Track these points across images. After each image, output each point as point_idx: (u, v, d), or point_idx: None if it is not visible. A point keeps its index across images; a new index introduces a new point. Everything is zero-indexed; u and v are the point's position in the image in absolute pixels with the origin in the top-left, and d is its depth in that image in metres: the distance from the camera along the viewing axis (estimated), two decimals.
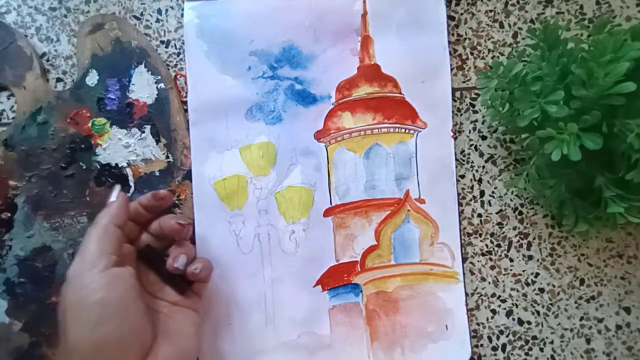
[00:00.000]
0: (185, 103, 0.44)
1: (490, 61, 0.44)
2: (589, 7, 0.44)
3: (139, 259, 0.38)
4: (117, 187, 0.38)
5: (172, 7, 0.45)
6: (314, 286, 0.43)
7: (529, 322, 0.43)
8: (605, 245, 0.43)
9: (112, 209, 0.36)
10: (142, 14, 0.45)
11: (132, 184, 0.43)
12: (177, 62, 0.45)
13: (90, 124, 0.43)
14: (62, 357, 0.33)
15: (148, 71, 0.43)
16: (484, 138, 0.44)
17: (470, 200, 0.44)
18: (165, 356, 0.34)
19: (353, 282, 0.42)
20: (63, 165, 0.43)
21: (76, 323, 0.32)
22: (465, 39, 0.44)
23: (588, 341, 0.43)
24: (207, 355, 0.42)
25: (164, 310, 0.37)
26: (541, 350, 0.43)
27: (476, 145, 0.44)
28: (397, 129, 0.43)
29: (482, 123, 0.44)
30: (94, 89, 0.43)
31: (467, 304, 0.42)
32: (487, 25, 0.44)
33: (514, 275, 0.43)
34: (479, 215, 0.44)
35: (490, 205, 0.44)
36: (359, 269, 0.43)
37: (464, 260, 0.43)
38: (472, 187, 0.44)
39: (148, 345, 0.33)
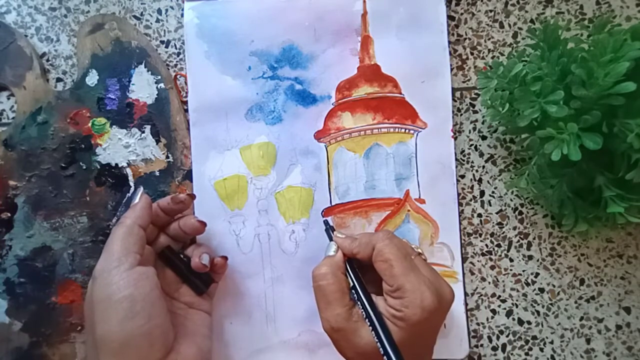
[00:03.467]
0: (185, 103, 0.44)
1: (490, 61, 0.44)
2: (589, 7, 0.44)
3: (158, 260, 0.39)
4: (140, 189, 0.39)
5: (172, 7, 0.45)
6: None
7: (529, 322, 0.43)
8: (605, 245, 0.43)
9: (137, 210, 0.37)
10: (142, 14, 0.45)
11: (132, 184, 0.43)
12: (177, 62, 0.45)
13: (90, 124, 0.43)
14: (91, 352, 0.33)
15: (148, 71, 0.43)
16: (484, 138, 0.44)
17: (470, 200, 0.44)
18: (188, 354, 0.35)
19: None
20: (63, 165, 0.43)
21: (105, 318, 0.32)
22: (465, 39, 0.44)
23: (588, 341, 0.43)
24: None
25: (180, 312, 0.38)
26: (541, 350, 0.43)
27: (476, 145, 0.44)
28: (397, 129, 0.43)
29: (482, 123, 0.44)
30: (94, 89, 0.43)
31: (466, 303, 0.42)
32: (487, 25, 0.44)
33: (514, 275, 0.43)
34: (479, 215, 0.44)
35: (490, 205, 0.44)
36: None
37: (464, 260, 0.43)
38: (472, 187, 0.44)
39: (171, 342, 0.35)
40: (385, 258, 0.34)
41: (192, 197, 0.40)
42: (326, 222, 0.40)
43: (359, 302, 0.34)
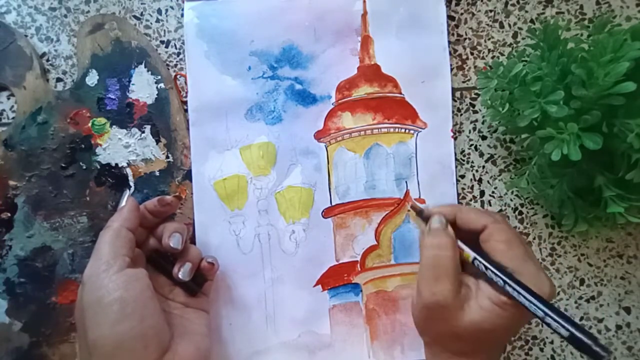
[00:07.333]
0: (185, 103, 0.44)
1: (490, 61, 0.44)
2: (589, 7, 0.44)
3: (148, 262, 0.39)
4: (127, 192, 0.39)
5: (172, 7, 0.45)
6: (314, 286, 0.43)
7: (528, 322, 0.43)
8: (605, 245, 0.43)
9: (124, 213, 0.36)
10: (142, 14, 0.45)
11: (132, 184, 0.43)
12: (177, 62, 0.45)
13: (90, 124, 0.43)
14: (84, 357, 0.33)
15: (148, 71, 0.43)
16: (484, 138, 0.44)
17: (470, 200, 0.44)
18: (185, 354, 0.35)
19: (353, 281, 0.43)
20: (63, 165, 0.43)
21: (95, 323, 0.32)
22: (465, 39, 0.44)
23: None
24: None
25: (177, 311, 0.38)
26: (541, 350, 0.43)
27: (476, 145, 0.44)
28: (397, 129, 0.43)
29: (482, 123, 0.44)
30: (94, 89, 0.43)
31: None
32: (487, 25, 0.44)
33: None
34: None
35: (490, 205, 0.44)
36: (359, 269, 0.43)
37: None
38: (472, 187, 0.44)
39: (166, 343, 0.34)
40: (505, 239, 0.32)
41: (179, 199, 0.40)
42: (413, 207, 0.38)
43: (489, 271, 0.32)
